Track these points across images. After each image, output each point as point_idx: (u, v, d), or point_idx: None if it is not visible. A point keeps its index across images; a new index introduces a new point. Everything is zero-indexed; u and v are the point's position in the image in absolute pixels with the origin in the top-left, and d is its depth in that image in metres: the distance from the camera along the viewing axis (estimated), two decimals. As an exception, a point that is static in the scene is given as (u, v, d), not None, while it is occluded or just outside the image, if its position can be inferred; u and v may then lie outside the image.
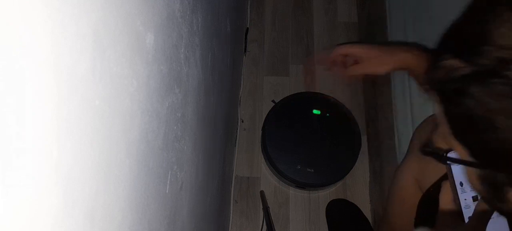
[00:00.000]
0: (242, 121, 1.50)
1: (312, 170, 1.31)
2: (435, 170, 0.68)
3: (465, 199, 0.53)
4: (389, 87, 1.13)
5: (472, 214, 0.52)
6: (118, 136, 0.31)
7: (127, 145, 0.33)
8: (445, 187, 0.56)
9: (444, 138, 0.49)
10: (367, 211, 1.36)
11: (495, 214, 0.50)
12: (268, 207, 1.31)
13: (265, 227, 1.30)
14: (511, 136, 0.38)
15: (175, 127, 0.49)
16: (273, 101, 1.50)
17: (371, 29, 1.44)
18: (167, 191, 0.47)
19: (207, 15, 0.65)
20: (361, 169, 1.43)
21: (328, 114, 1.39)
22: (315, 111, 1.39)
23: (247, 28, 1.61)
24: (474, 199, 0.53)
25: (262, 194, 1.37)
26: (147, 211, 0.40)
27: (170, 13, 0.43)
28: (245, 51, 1.60)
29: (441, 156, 0.50)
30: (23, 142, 0.20)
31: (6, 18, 0.18)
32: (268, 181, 1.42)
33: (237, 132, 1.43)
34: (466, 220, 0.53)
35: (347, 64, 0.73)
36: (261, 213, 1.37)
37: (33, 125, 0.21)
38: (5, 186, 0.19)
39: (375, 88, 1.34)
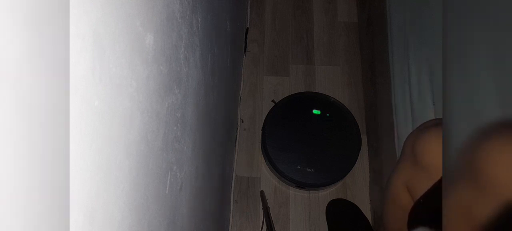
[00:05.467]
0: (242, 121, 1.50)
1: (312, 170, 1.31)
2: (425, 178, 0.67)
3: None
4: (389, 87, 1.13)
5: None
6: (118, 136, 0.31)
7: (126, 145, 0.33)
8: None
9: None
10: (367, 211, 1.36)
11: None
12: (268, 207, 1.31)
13: (265, 227, 1.30)
14: None
15: (175, 127, 0.49)
16: (273, 101, 1.50)
17: (371, 29, 1.44)
18: (166, 192, 0.47)
19: (207, 15, 0.65)
20: (361, 169, 1.43)
21: (328, 114, 1.39)
22: (315, 112, 1.39)
23: (247, 28, 1.61)
24: None
25: (262, 194, 1.37)
26: (147, 212, 0.40)
27: (169, 13, 0.43)
28: (245, 51, 1.60)
29: None
30: (23, 142, 0.20)
31: (6, 18, 0.18)
32: (268, 181, 1.42)
33: (237, 132, 1.43)
34: None
35: None
36: (261, 213, 1.37)
37: (33, 125, 0.21)
38: (5, 186, 0.19)
39: (375, 88, 1.34)
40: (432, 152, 0.66)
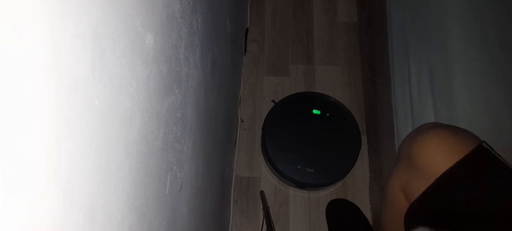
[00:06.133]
0: (242, 121, 1.50)
1: (312, 170, 1.31)
2: (421, 181, 0.69)
3: None
4: (389, 87, 1.13)
5: None
6: (118, 136, 0.31)
7: (126, 146, 0.33)
8: None
9: None
10: (367, 211, 1.36)
11: None
12: (268, 207, 1.31)
13: (265, 227, 1.30)
14: None
15: (175, 127, 0.49)
16: (273, 101, 1.50)
17: (371, 29, 1.44)
18: (166, 192, 0.47)
19: (207, 15, 0.65)
20: (361, 169, 1.43)
21: (328, 114, 1.39)
22: (315, 111, 1.39)
23: (247, 28, 1.61)
24: None
25: (262, 194, 1.37)
26: (147, 212, 0.40)
27: (169, 13, 0.43)
28: (245, 51, 1.60)
29: None
30: (23, 142, 0.20)
31: (6, 18, 0.18)
32: (268, 181, 1.42)
33: (237, 132, 1.43)
34: None
35: None
36: (261, 213, 1.37)
37: (33, 125, 0.21)
38: (5, 186, 0.19)
39: (375, 88, 1.34)
40: (427, 155, 0.69)
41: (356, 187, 1.41)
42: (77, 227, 0.26)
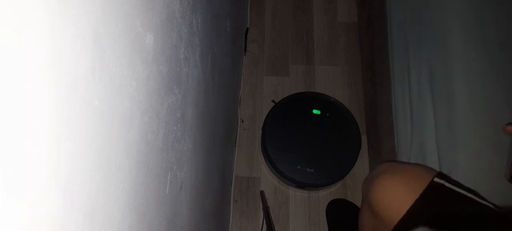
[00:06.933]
0: (242, 121, 1.50)
1: (312, 170, 1.31)
2: (387, 221, 0.70)
3: None
4: (389, 88, 1.13)
5: None
6: (118, 137, 0.31)
7: (126, 145, 0.33)
8: None
9: None
10: (367, 211, 1.36)
11: None
12: (268, 207, 1.31)
13: (265, 227, 1.30)
14: None
15: (175, 127, 0.49)
16: (273, 101, 1.50)
17: (371, 29, 1.44)
18: (167, 192, 0.47)
19: (207, 15, 0.65)
20: (361, 169, 1.43)
21: (328, 115, 1.39)
22: (315, 112, 1.39)
23: (247, 28, 1.61)
24: None
25: (262, 194, 1.37)
26: (147, 212, 0.40)
27: (169, 13, 0.43)
28: (245, 51, 1.60)
29: None
30: (23, 142, 0.20)
31: (6, 18, 0.18)
32: (268, 181, 1.42)
33: (237, 132, 1.43)
34: None
35: None
36: (261, 213, 1.37)
37: (33, 125, 0.21)
38: (5, 186, 0.19)
39: (375, 88, 1.34)
40: (384, 204, 0.71)
41: (356, 187, 1.41)
42: (77, 227, 0.26)
